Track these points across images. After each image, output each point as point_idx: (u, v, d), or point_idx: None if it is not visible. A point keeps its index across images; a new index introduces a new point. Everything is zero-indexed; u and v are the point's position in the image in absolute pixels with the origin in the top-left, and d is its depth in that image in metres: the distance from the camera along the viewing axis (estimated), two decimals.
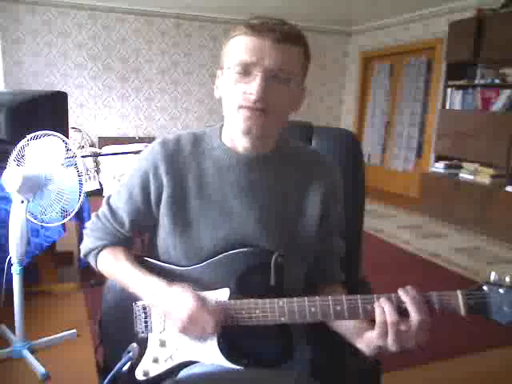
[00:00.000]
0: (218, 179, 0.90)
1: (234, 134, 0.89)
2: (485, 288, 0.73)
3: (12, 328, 1.92)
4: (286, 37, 0.80)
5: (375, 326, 0.75)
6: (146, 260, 0.95)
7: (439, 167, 4.85)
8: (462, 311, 0.73)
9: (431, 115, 5.50)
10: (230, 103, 0.84)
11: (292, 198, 0.93)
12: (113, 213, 0.95)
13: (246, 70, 0.80)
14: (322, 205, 0.94)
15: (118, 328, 0.96)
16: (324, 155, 1.01)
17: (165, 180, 0.89)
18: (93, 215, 0.99)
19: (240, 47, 0.81)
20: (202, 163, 0.91)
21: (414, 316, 0.72)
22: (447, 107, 4.83)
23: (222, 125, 0.94)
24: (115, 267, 0.94)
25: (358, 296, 0.77)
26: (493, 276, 0.74)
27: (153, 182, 0.90)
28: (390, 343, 0.73)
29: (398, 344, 0.73)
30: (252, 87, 0.80)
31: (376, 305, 0.75)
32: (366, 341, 0.77)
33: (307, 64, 0.87)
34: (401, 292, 0.75)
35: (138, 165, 0.93)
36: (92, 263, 0.99)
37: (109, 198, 0.97)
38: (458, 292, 0.74)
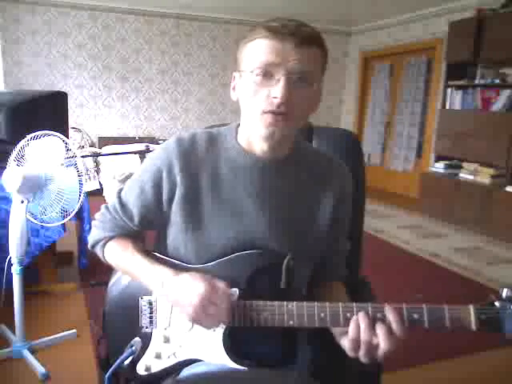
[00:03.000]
0: (232, 180, 0.90)
1: (253, 137, 0.89)
2: (497, 304, 0.73)
3: (12, 328, 1.92)
4: (307, 39, 0.80)
5: (348, 340, 0.76)
6: (155, 255, 0.95)
7: (439, 167, 4.85)
8: (473, 326, 0.73)
9: (431, 115, 5.50)
10: (251, 108, 0.83)
11: (304, 202, 0.93)
12: (123, 206, 0.94)
13: (268, 72, 0.80)
14: (334, 209, 0.94)
15: (122, 322, 0.96)
16: (337, 158, 1.00)
17: (178, 178, 0.89)
18: (102, 207, 0.99)
19: (261, 50, 0.80)
20: (217, 163, 0.91)
21: (384, 340, 0.74)
22: (447, 107, 4.83)
23: (238, 124, 0.93)
24: (122, 256, 0.93)
25: (369, 304, 0.77)
26: (505, 292, 0.74)
27: (166, 180, 0.89)
28: (361, 356, 0.76)
29: (368, 357, 0.76)
30: (276, 90, 0.79)
31: (353, 320, 0.76)
32: (342, 346, 0.79)
33: (325, 64, 0.87)
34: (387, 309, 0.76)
35: (152, 161, 0.92)
36: (99, 254, 0.98)
37: (120, 191, 0.97)
38: (471, 307, 0.74)
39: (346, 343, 0.77)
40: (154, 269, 0.87)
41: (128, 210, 0.94)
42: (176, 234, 0.91)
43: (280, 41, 0.79)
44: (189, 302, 0.79)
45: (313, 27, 0.83)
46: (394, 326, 0.74)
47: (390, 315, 0.75)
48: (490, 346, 2.15)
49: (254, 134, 0.88)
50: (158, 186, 0.90)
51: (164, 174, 0.89)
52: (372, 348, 0.75)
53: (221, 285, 0.80)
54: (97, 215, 0.99)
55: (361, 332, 0.75)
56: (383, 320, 0.75)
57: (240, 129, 0.93)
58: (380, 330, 0.74)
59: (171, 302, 0.85)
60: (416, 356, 2.03)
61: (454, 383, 1.92)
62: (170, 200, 0.90)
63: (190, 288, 0.80)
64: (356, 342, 0.75)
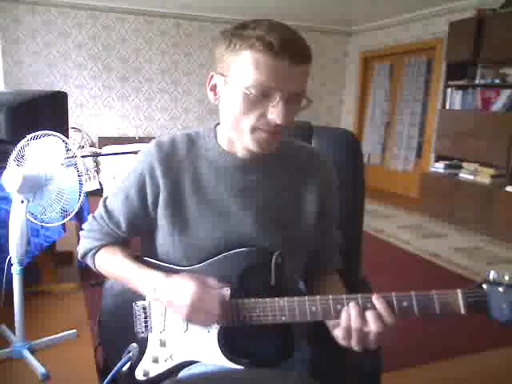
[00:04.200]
0: (214, 180, 0.90)
1: (237, 143, 0.88)
2: (484, 286, 0.74)
3: (12, 328, 1.93)
4: (302, 58, 0.78)
5: (340, 329, 0.77)
6: (146, 260, 0.95)
7: (439, 167, 4.84)
8: (462, 310, 0.74)
9: (431, 115, 5.50)
10: (242, 123, 0.81)
11: (289, 196, 0.93)
12: (109, 214, 0.95)
13: (265, 93, 0.78)
14: (319, 201, 0.94)
15: (118, 328, 0.96)
16: (316, 149, 1.01)
17: (161, 182, 0.89)
18: (89, 216, 0.99)
19: (257, 67, 0.76)
20: (198, 164, 0.91)
21: (374, 324, 0.75)
22: (447, 107, 4.83)
23: (217, 124, 0.93)
24: (113, 264, 0.94)
25: (359, 295, 0.78)
26: (492, 274, 0.74)
27: (149, 184, 0.90)
28: (354, 344, 0.77)
29: (360, 344, 0.77)
30: (274, 113, 0.78)
31: (344, 309, 0.77)
32: (335, 336, 0.80)
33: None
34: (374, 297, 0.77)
35: (134, 166, 0.92)
36: (90, 264, 0.99)
37: (105, 199, 0.97)
38: (458, 291, 0.74)
39: (338, 333, 0.78)
40: (146, 274, 0.88)
41: (114, 217, 0.94)
42: (164, 237, 0.91)
43: (277, 60, 0.76)
44: (181, 302, 0.80)
45: (303, 38, 0.80)
46: (383, 311, 0.76)
47: (377, 303, 0.76)
48: (490, 346, 2.15)
49: (240, 144, 0.87)
50: (142, 190, 0.91)
51: (147, 179, 0.90)
52: (363, 335, 0.76)
53: (211, 282, 0.81)
54: (84, 225, 0.99)
55: (351, 320, 0.76)
56: (373, 308, 0.77)
57: (219, 129, 0.92)
58: (370, 315, 0.76)
59: (164, 304, 0.86)
60: (416, 356, 2.03)
61: (453, 383, 1.92)
62: (155, 204, 0.90)
63: (181, 288, 0.80)
64: (348, 331, 0.77)
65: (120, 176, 0.96)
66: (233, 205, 0.89)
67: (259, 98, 0.78)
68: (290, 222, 0.92)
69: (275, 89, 0.77)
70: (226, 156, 0.90)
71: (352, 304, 0.77)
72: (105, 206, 0.96)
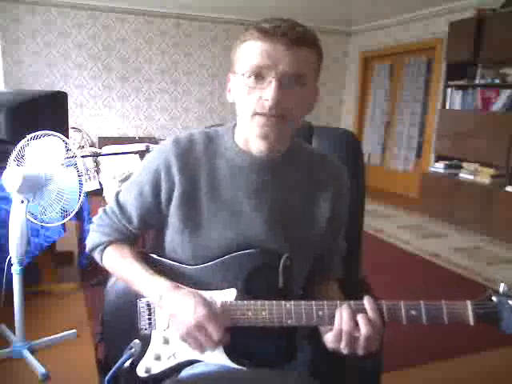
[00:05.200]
0: (230, 180, 0.90)
1: (250, 137, 0.88)
2: (494, 299, 0.74)
3: (12, 328, 1.93)
4: (298, 40, 0.79)
5: (332, 332, 0.78)
6: (152, 257, 0.94)
7: (439, 167, 4.84)
8: (471, 321, 0.74)
9: (431, 115, 5.50)
10: (244, 109, 0.84)
11: (302, 200, 0.93)
12: (121, 209, 0.94)
13: (259, 75, 0.80)
14: (331, 207, 0.94)
15: (121, 324, 0.96)
16: (333, 157, 1.01)
17: (177, 178, 0.88)
18: (100, 210, 0.98)
19: (253, 52, 0.80)
20: (215, 163, 0.91)
21: (364, 327, 0.76)
22: (447, 107, 4.83)
23: (235, 124, 0.93)
24: (121, 264, 0.93)
25: (365, 300, 0.78)
26: (502, 287, 0.75)
27: (165, 180, 0.89)
28: (343, 347, 0.77)
29: (350, 347, 0.77)
30: (267, 93, 0.79)
31: (337, 311, 0.78)
32: (325, 340, 0.81)
33: (320, 63, 0.87)
34: (365, 301, 0.78)
35: (150, 162, 0.92)
36: (97, 259, 0.98)
37: (118, 194, 0.97)
38: (468, 302, 0.75)
39: (328, 336, 0.79)
40: (153, 280, 0.87)
41: (126, 212, 0.94)
42: (173, 235, 0.91)
43: (271, 43, 0.79)
44: (185, 321, 0.79)
45: (306, 27, 0.82)
46: (370, 313, 0.77)
47: (366, 304, 0.77)
48: (490, 346, 2.15)
49: (249, 133, 0.88)
50: (156, 186, 0.90)
51: (162, 175, 0.89)
52: (353, 339, 0.76)
53: (219, 316, 0.80)
54: (94, 219, 0.99)
55: (343, 323, 0.76)
56: (365, 311, 0.77)
57: (237, 129, 0.93)
58: (360, 317, 0.76)
59: (167, 314, 0.85)
60: (416, 356, 2.03)
61: (453, 383, 1.92)
62: (169, 200, 0.90)
63: (190, 308, 0.80)
64: (339, 333, 0.77)
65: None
66: (246, 205, 0.89)
67: (256, 82, 0.81)
68: (301, 224, 0.92)
69: (268, 69, 0.79)
70: (242, 155, 0.90)
71: (344, 306, 0.77)
72: (117, 201, 0.96)
